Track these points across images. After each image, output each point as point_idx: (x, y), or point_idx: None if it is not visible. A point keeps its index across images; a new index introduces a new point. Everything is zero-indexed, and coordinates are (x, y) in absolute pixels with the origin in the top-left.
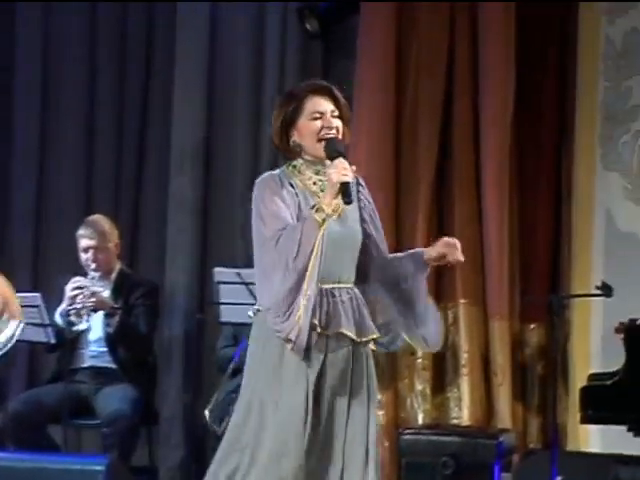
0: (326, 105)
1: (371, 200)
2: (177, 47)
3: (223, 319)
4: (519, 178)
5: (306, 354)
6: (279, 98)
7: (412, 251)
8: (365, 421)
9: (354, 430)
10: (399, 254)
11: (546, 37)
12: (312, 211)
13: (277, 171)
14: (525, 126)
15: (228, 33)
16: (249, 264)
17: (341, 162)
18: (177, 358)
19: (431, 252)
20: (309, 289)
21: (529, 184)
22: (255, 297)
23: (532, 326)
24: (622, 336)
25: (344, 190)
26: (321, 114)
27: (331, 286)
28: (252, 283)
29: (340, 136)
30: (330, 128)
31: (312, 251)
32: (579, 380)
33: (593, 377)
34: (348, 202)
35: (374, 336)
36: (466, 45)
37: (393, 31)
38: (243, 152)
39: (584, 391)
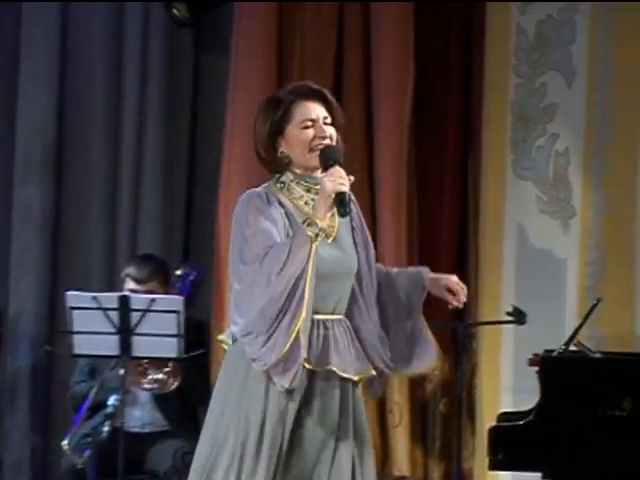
0: (318, 111)
1: (361, 216)
2: (22, 39)
3: (77, 351)
4: (419, 190)
5: (289, 392)
6: (263, 103)
7: (411, 269)
8: (351, 468)
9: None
10: (395, 270)
11: (450, 30)
12: (303, 225)
13: (261, 188)
14: (426, 131)
15: (82, 21)
16: (108, 287)
17: (337, 170)
18: (23, 395)
19: (434, 282)
20: (307, 315)
21: (431, 196)
22: (115, 325)
23: None
24: (536, 369)
25: (340, 201)
26: (312, 122)
27: (324, 317)
28: (111, 309)
29: (334, 144)
30: (323, 137)
31: (305, 269)
32: (487, 420)
33: (503, 416)
34: (344, 214)
35: (370, 374)
36: (357, 44)
37: (274, 27)
38: (100, 158)
39: (493, 432)
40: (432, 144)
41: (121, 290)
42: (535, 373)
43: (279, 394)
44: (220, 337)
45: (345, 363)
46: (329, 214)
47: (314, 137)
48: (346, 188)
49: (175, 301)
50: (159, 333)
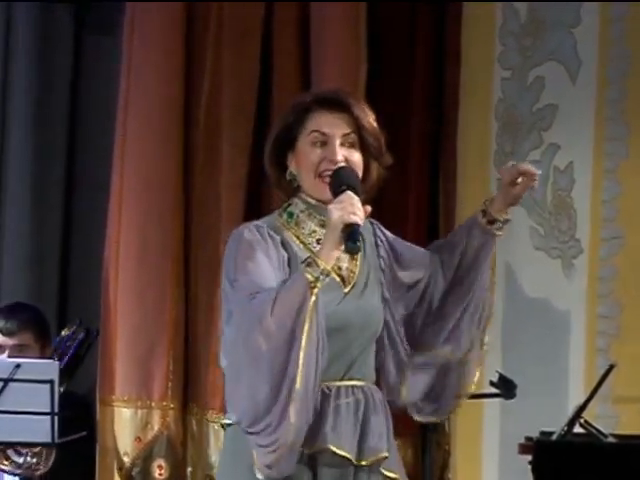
0: (334, 125)
1: (396, 249)
2: None
3: None
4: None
5: None
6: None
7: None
8: None
9: None
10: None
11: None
12: (302, 266)
13: (262, 221)
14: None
15: None
16: None
17: (348, 196)
18: None
19: (498, 197)
20: (303, 387)
21: (394, 223)
22: None
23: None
24: (530, 459)
25: (349, 234)
26: (325, 137)
27: (332, 384)
28: None
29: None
30: (334, 162)
31: (299, 325)
32: None
33: None
34: (352, 251)
35: (382, 456)
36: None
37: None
38: None
39: None
40: (393, 165)
41: None
42: (528, 464)
43: None
44: (224, 420)
45: (351, 441)
46: (337, 252)
47: (322, 160)
48: (358, 219)
49: (48, 367)
50: (25, 410)
